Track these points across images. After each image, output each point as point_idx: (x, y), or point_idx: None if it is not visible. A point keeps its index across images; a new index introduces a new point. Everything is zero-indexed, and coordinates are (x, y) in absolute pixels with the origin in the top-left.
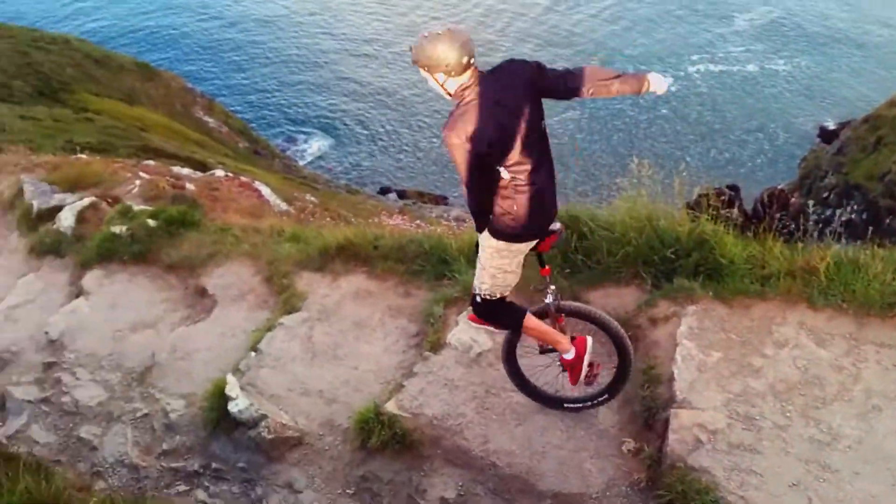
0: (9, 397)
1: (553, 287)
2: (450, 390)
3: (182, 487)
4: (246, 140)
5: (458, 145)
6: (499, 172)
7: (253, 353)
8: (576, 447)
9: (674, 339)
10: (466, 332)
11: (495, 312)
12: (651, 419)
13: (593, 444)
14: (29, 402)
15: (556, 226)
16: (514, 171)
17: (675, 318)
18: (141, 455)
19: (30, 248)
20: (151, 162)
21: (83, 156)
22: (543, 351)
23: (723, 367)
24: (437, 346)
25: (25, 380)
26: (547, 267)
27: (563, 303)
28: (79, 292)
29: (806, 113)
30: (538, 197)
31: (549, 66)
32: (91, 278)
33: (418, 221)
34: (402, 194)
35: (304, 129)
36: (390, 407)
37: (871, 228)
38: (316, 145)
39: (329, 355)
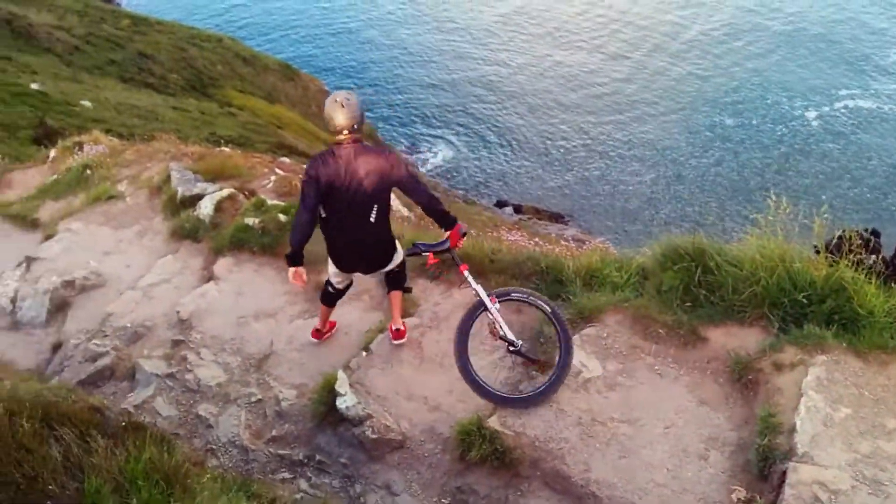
0: (139, 369)
1: (476, 285)
2: (554, 413)
3: (286, 475)
4: (373, 143)
5: (305, 174)
6: (320, 210)
7: (364, 353)
8: (681, 488)
9: (799, 388)
10: (576, 356)
11: (324, 293)
12: (766, 470)
13: (700, 488)
14: (157, 375)
15: (463, 227)
16: (329, 216)
17: (802, 366)
18: (251, 438)
19: (171, 231)
20: (287, 159)
21: (226, 148)
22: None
23: (851, 425)
24: (544, 367)
25: (156, 354)
26: (463, 264)
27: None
28: (210, 277)
29: None
30: (344, 247)
31: (415, 175)
32: (222, 265)
33: (537, 239)
34: (518, 209)
35: (428, 136)
36: (493, 422)
37: None
38: (438, 152)
39: (436, 363)
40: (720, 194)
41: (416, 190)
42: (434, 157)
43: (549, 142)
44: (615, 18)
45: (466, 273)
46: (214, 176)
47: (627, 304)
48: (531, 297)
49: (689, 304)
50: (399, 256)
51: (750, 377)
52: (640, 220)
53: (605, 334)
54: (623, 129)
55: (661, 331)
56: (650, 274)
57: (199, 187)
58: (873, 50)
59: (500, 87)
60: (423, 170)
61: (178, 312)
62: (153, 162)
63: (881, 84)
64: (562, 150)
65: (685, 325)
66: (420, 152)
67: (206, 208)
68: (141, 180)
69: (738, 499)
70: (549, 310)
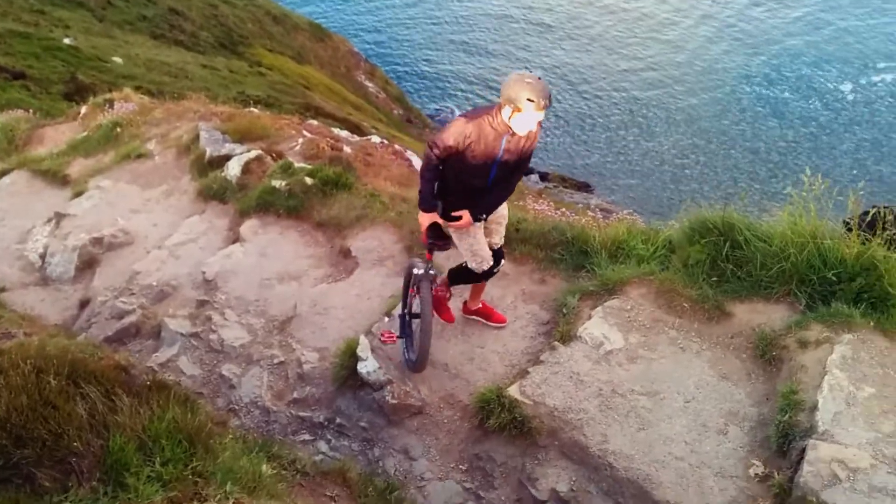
0: (164, 328)
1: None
2: (574, 384)
3: (306, 437)
4: (401, 107)
5: None
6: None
7: (386, 318)
8: (699, 462)
9: (823, 366)
10: (599, 328)
11: None
12: (786, 446)
13: (718, 462)
14: (181, 334)
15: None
16: None
17: (828, 344)
18: (273, 400)
19: (198, 191)
20: (315, 122)
21: (254, 109)
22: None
23: (874, 404)
24: (566, 338)
25: (181, 313)
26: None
27: None
28: (235, 238)
29: None
30: None
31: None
32: (248, 226)
33: (563, 209)
34: (543, 176)
35: (457, 102)
36: (513, 391)
37: None
38: None
39: (457, 331)
40: (752, 168)
41: None
42: None
43: (579, 110)
44: None
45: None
46: (242, 137)
47: (653, 276)
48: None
49: (715, 278)
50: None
51: (774, 354)
52: (668, 192)
53: (628, 307)
54: (653, 99)
55: (685, 305)
56: (677, 247)
57: (228, 148)
58: None
59: (534, 54)
60: None
61: (203, 273)
62: (182, 121)
63: None
64: (591, 120)
65: (710, 299)
66: (447, 118)
67: (233, 169)
68: (170, 139)
69: (756, 474)
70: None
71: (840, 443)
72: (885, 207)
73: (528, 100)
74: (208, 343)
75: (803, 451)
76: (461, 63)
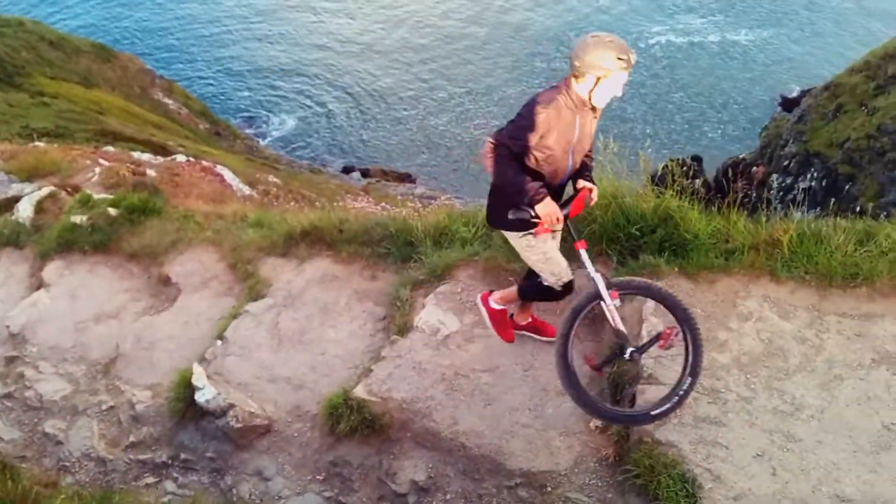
0: None
1: (594, 272)
2: (418, 373)
3: (150, 479)
4: (206, 121)
5: None
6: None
7: (219, 342)
8: (544, 426)
9: (640, 315)
10: (434, 315)
11: None
12: (618, 395)
13: (561, 422)
14: None
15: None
16: None
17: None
18: (108, 448)
19: None
20: (111, 148)
21: (40, 143)
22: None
23: None
24: (404, 330)
25: None
26: (580, 241)
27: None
28: (39, 284)
29: (769, 82)
30: None
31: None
32: (51, 270)
33: (384, 203)
34: (365, 173)
35: (265, 109)
36: (359, 392)
37: (832, 199)
38: (278, 125)
39: (295, 341)
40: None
41: None
42: (276, 129)
43: (391, 102)
44: None
45: (583, 253)
46: (31, 174)
47: (477, 257)
48: (657, 290)
49: None
50: (512, 237)
51: (597, 312)
52: (484, 173)
53: (458, 289)
54: (461, 81)
55: (511, 279)
56: None
57: (15, 188)
58: None
59: (340, 50)
60: (264, 143)
61: (7, 327)
62: None
63: (694, 17)
64: (404, 109)
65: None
66: (258, 130)
67: (24, 211)
68: None
69: (596, 426)
70: (681, 308)
71: (664, 383)
72: (674, 161)
73: (619, 58)
74: (24, 401)
75: (634, 396)
76: (264, 59)
